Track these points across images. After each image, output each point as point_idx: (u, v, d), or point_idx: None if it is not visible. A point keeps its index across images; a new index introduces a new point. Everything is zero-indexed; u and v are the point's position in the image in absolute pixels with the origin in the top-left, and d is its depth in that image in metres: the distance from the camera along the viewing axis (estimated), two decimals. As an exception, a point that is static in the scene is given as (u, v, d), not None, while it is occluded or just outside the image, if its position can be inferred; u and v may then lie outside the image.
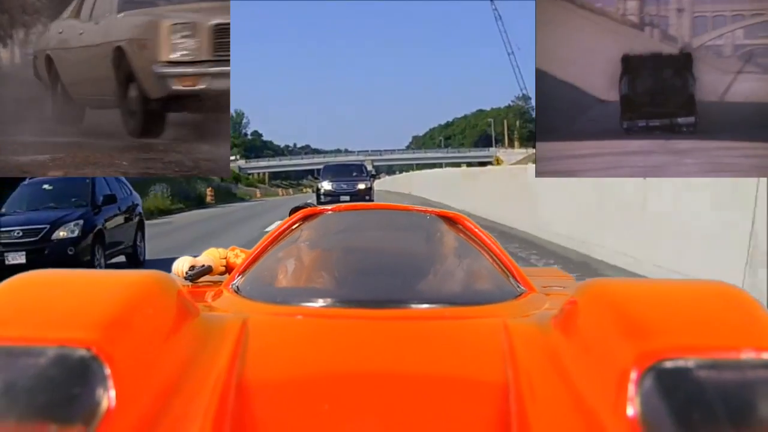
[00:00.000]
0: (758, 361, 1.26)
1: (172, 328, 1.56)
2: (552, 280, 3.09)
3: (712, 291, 1.57)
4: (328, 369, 1.55)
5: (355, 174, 26.10)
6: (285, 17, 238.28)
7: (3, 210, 11.64)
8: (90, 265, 10.98)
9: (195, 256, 2.94)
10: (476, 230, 2.69)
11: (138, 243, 13.13)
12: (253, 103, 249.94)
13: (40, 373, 1.22)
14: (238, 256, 2.91)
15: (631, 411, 1.21)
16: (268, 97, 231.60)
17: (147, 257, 13.40)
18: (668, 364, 1.23)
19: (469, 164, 57.33)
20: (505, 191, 18.38)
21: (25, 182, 12.22)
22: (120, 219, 12.45)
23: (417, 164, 67.81)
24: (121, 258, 12.50)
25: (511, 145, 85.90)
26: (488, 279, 2.40)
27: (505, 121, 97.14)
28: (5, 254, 10.42)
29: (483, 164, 53.35)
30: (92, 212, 11.42)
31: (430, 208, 2.86)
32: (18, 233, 10.60)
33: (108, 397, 1.22)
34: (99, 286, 1.59)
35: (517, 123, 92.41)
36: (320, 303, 2.06)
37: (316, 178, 29.47)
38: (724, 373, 1.24)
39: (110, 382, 1.23)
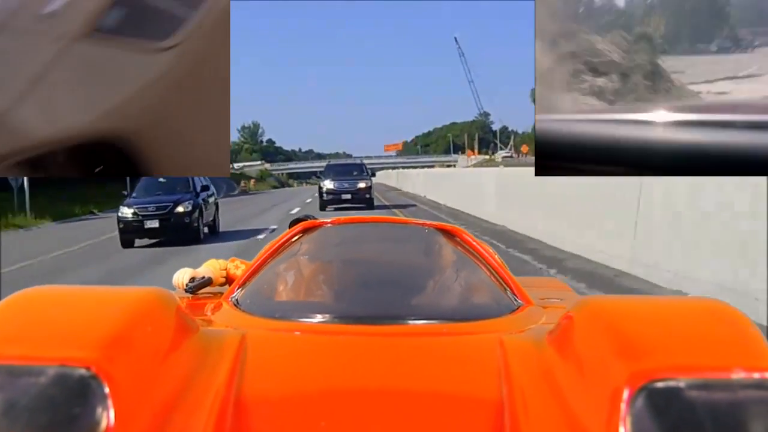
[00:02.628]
0: (749, 381, 1.07)
1: (172, 345, 1.29)
2: (549, 292, 2.65)
3: (705, 309, 1.33)
4: (326, 385, 1.29)
5: (356, 173, 22.33)
6: (287, 33, 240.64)
7: (134, 194, 13.38)
8: (197, 229, 13.02)
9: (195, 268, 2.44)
10: (474, 243, 2.24)
11: (216, 218, 14.68)
12: (263, 112, 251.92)
13: (41, 393, 1.04)
14: (238, 267, 2.45)
15: (622, 431, 1.03)
16: (276, 105, 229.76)
17: (221, 229, 15.19)
18: (660, 384, 1.05)
19: (433, 166, 64.40)
20: (397, 175, 40.17)
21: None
22: (208, 201, 14.09)
23: (402, 166, 70.49)
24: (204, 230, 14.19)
25: (472, 152, 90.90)
26: (485, 293, 2.00)
27: (467, 133, 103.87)
28: (145, 221, 12.54)
29: (432, 167, 62.32)
30: (195, 196, 13.28)
31: (428, 222, 2.47)
32: (152, 208, 12.69)
33: (107, 417, 1.03)
34: (99, 304, 1.32)
35: (476, 135, 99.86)
36: (318, 319, 1.71)
37: (319, 177, 25.33)
38: (715, 393, 1.05)
39: (109, 401, 1.04)
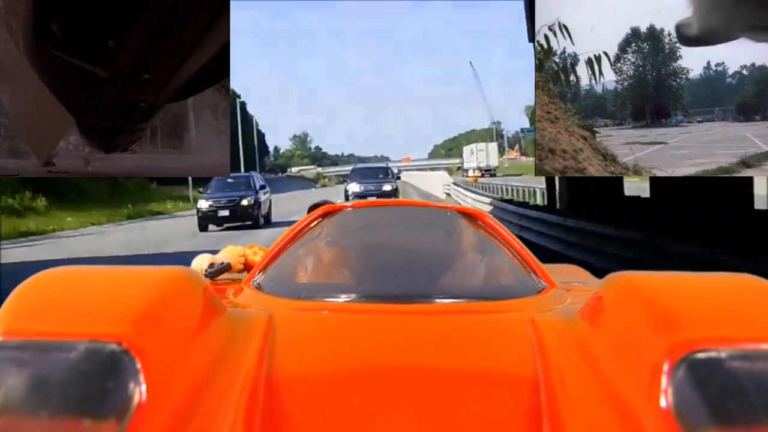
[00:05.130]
0: None
1: (201, 323, 1.13)
2: (570, 277, 2.25)
3: (740, 284, 1.15)
4: (357, 363, 1.10)
5: (381, 176, 20.42)
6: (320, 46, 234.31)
7: (209, 191, 14.39)
8: (257, 217, 14.01)
9: (214, 254, 2.11)
10: (496, 226, 1.94)
11: (270, 211, 15.46)
12: (310, 122, 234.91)
13: (72, 368, 0.89)
14: (256, 253, 2.12)
15: (664, 402, 0.88)
16: (320, 115, 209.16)
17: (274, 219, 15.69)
18: (701, 355, 0.91)
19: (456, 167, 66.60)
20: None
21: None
22: (263, 197, 14.91)
23: (426, 168, 71.47)
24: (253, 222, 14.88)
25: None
26: (510, 274, 1.75)
27: (481, 139, 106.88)
28: (218, 210, 13.70)
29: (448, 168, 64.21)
30: (255, 193, 14.30)
31: (449, 205, 2.16)
32: (224, 201, 13.82)
33: (140, 392, 0.88)
34: (127, 282, 1.15)
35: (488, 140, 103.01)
36: (345, 298, 1.48)
37: (345, 181, 23.57)
38: (756, 363, 0.90)
39: (141, 377, 0.89)
